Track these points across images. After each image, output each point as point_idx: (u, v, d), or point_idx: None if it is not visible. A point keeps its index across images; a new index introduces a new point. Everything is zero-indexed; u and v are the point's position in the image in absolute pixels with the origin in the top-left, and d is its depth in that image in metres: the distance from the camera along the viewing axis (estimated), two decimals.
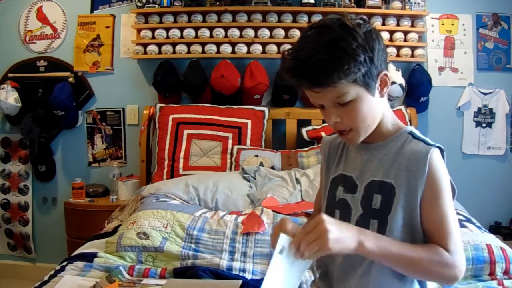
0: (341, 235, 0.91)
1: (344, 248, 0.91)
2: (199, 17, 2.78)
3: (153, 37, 2.80)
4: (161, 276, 1.50)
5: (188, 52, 2.78)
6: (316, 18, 2.73)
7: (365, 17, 1.00)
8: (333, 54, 0.91)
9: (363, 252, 0.93)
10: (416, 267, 0.96)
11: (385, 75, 0.99)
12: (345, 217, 1.06)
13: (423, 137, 1.02)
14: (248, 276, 1.52)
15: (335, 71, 0.91)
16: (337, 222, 0.93)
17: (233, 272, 1.52)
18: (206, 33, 2.76)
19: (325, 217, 0.91)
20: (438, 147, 1.00)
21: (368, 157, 1.05)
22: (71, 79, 2.92)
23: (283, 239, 0.94)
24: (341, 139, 1.15)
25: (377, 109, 1.01)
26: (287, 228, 0.99)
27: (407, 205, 0.98)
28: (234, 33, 2.76)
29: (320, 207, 1.23)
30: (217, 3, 2.77)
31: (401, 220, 0.99)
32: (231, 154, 2.61)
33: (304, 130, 2.72)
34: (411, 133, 1.03)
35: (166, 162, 2.63)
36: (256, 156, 2.53)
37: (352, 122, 0.99)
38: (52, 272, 1.51)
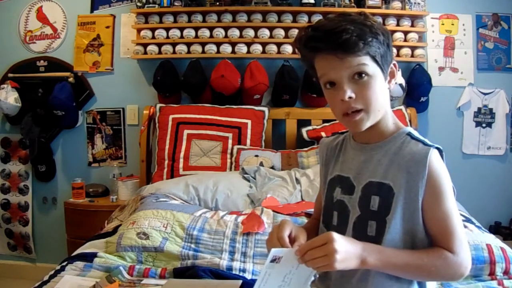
0: (347, 255, 0.91)
1: (348, 266, 0.92)
2: (199, 17, 2.78)
3: (153, 37, 2.80)
4: (161, 276, 1.50)
5: (188, 52, 2.78)
6: (316, 18, 2.73)
7: None
8: (359, 27, 0.96)
9: (367, 267, 0.95)
10: (421, 274, 0.97)
11: (395, 65, 1.04)
12: (343, 218, 1.06)
13: (421, 137, 1.02)
14: (248, 276, 1.51)
15: (360, 40, 0.95)
16: (345, 242, 0.92)
17: (233, 272, 1.52)
18: (206, 33, 2.76)
19: (335, 236, 0.91)
20: (437, 147, 1.00)
21: (366, 157, 1.05)
22: (71, 79, 2.92)
23: (274, 252, 0.94)
24: (341, 138, 1.15)
25: (386, 96, 1.02)
26: (283, 235, 0.99)
27: (407, 206, 0.98)
28: (234, 33, 2.76)
29: (318, 206, 1.23)
30: (217, 3, 2.77)
31: (401, 221, 0.98)
32: (231, 154, 2.61)
33: (304, 130, 2.72)
34: (409, 134, 1.03)
35: (166, 162, 2.63)
36: (256, 156, 2.53)
37: (365, 100, 0.98)
38: (52, 272, 1.51)
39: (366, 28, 0.96)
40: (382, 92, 1.00)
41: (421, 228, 0.99)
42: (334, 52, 0.96)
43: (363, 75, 0.97)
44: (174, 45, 2.78)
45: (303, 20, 2.75)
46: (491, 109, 2.92)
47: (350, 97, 0.97)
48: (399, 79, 2.66)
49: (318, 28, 0.98)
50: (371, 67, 0.97)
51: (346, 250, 0.91)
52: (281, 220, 1.07)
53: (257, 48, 2.75)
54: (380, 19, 2.75)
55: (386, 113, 1.03)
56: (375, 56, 0.97)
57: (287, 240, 0.99)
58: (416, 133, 1.04)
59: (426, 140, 1.01)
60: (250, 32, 2.76)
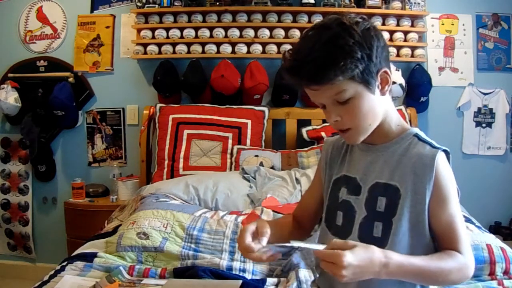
0: (358, 276, 0.88)
1: (360, 280, 0.91)
2: (199, 17, 2.78)
3: (153, 37, 2.80)
4: (161, 276, 1.50)
5: (188, 52, 2.78)
6: (316, 18, 2.74)
7: (365, 16, 1.00)
8: (329, 51, 0.91)
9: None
10: (438, 279, 0.96)
11: (386, 72, 0.98)
12: (348, 219, 1.06)
13: (428, 139, 1.02)
14: (248, 276, 1.52)
15: (331, 68, 0.91)
16: (357, 264, 0.87)
17: (233, 272, 1.52)
18: (206, 33, 2.76)
19: (346, 261, 0.86)
20: (444, 150, 1.00)
21: (373, 158, 1.05)
22: (71, 79, 2.92)
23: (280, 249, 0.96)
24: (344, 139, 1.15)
25: (378, 107, 1.00)
26: (246, 243, 0.99)
27: (413, 208, 0.98)
28: (234, 33, 2.76)
29: (305, 205, 1.24)
30: (217, 3, 2.77)
31: (407, 223, 0.98)
32: (231, 154, 2.61)
33: (304, 130, 2.72)
34: (416, 135, 1.03)
35: (166, 162, 2.63)
36: (256, 156, 2.53)
37: (352, 121, 0.98)
38: (52, 272, 1.51)
39: (337, 49, 0.91)
40: (372, 106, 0.98)
41: (427, 231, 0.99)
42: (307, 86, 0.96)
43: (344, 99, 0.96)
44: (174, 45, 2.78)
45: (303, 20, 2.75)
46: (491, 109, 2.92)
47: (336, 120, 0.99)
48: (399, 79, 2.66)
49: (292, 57, 0.96)
50: (351, 90, 0.94)
51: (356, 272, 0.87)
52: (239, 231, 1.06)
53: (257, 48, 2.75)
54: (380, 19, 2.75)
55: (386, 116, 1.03)
56: (353, 77, 0.93)
57: (252, 245, 1.00)
58: (423, 135, 1.04)
59: (434, 142, 1.01)
60: (250, 32, 2.76)
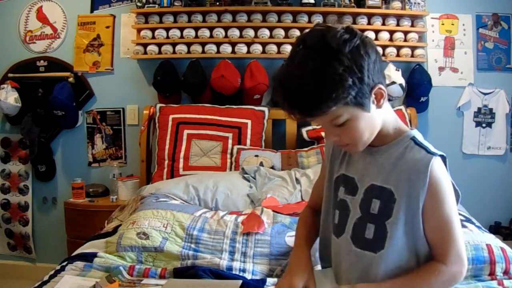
0: None
1: None
2: (199, 17, 2.78)
3: (153, 37, 2.81)
4: (161, 276, 1.50)
5: (188, 52, 2.78)
6: (316, 18, 2.74)
7: (352, 26, 0.95)
8: (319, 83, 0.88)
9: None
10: None
11: (380, 88, 0.96)
12: (343, 218, 1.07)
13: (425, 143, 1.02)
14: (248, 276, 1.51)
15: (323, 101, 0.89)
16: None
17: (233, 272, 1.52)
18: (206, 33, 2.76)
19: None
20: (440, 155, 0.99)
21: (370, 160, 1.05)
22: (71, 79, 2.92)
23: None
24: None
25: (375, 121, 1.00)
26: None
27: (408, 212, 0.98)
28: (234, 33, 2.76)
29: (314, 202, 1.25)
30: (217, 3, 2.77)
31: (403, 227, 0.98)
32: (231, 154, 2.61)
33: (304, 130, 2.72)
34: (413, 139, 1.03)
35: (166, 162, 2.63)
36: (256, 156, 2.53)
37: (350, 139, 0.99)
38: (52, 272, 1.51)
39: (327, 80, 0.88)
40: (369, 122, 0.98)
41: (421, 234, 0.99)
42: (303, 118, 0.95)
43: (340, 123, 0.95)
44: (174, 45, 2.78)
45: (303, 20, 2.75)
46: (491, 109, 2.92)
47: (334, 140, 1.01)
48: (399, 79, 2.66)
49: (285, 86, 0.93)
50: (346, 114, 0.94)
51: None
52: (292, 268, 1.09)
53: (257, 48, 2.75)
54: (380, 19, 2.75)
55: (385, 122, 1.03)
56: (347, 103, 0.92)
57: None
58: (420, 138, 1.04)
59: (430, 147, 1.01)
60: (250, 32, 2.76)
